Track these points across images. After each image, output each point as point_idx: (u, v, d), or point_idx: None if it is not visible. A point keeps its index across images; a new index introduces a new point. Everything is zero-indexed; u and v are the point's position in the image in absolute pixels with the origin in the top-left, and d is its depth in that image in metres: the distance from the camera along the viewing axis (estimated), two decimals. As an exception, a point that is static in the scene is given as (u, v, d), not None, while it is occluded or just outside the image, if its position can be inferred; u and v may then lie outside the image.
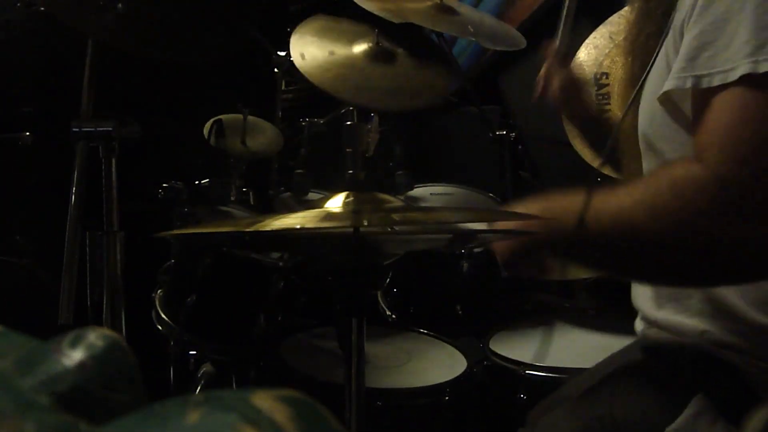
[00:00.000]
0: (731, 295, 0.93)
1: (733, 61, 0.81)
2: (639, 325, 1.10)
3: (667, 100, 0.91)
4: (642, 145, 1.03)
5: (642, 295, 1.08)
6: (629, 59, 1.11)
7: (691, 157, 0.85)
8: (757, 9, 0.82)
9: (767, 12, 0.81)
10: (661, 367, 1.00)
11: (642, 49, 1.05)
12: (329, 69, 1.90)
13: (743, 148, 0.80)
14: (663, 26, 0.96)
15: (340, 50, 1.96)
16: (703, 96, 0.85)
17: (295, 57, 1.90)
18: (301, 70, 1.88)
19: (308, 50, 1.92)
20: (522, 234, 1.00)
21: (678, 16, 0.91)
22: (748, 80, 0.80)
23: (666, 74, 0.92)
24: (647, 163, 1.03)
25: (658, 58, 0.96)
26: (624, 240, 0.87)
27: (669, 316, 1.01)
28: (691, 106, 0.88)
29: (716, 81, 0.83)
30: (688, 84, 0.85)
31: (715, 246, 0.82)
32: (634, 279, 1.05)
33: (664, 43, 0.94)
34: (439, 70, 2.08)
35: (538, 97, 1.48)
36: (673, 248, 0.85)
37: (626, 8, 1.17)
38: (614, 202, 0.88)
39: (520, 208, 1.00)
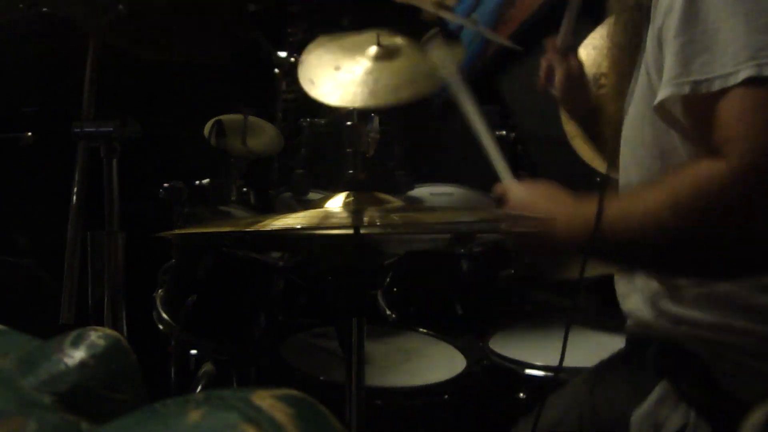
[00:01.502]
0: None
1: (733, 66, 0.83)
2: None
3: (662, 108, 0.93)
4: (623, 150, 1.06)
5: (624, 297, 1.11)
6: (610, 73, 1.14)
7: (709, 156, 0.86)
8: (748, 14, 0.84)
9: (760, 16, 0.83)
10: (634, 357, 1.04)
11: (616, 63, 1.09)
12: (338, 86, 1.91)
13: (765, 137, 0.82)
14: (635, 39, 0.99)
15: (345, 62, 1.97)
16: (705, 101, 0.86)
17: (305, 85, 1.91)
18: (312, 96, 1.89)
19: (315, 73, 1.93)
20: (524, 235, 1.02)
21: (653, 28, 0.94)
22: (752, 82, 0.82)
23: (647, 87, 0.94)
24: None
25: (639, 74, 0.99)
26: (653, 240, 0.89)
27: (639, 308, 1.04)
28: (687, 112, 0.90)
29: (716, 86, 0.84)
30: (686, 90, 0.87)
31: (747, 236, 0.84)
32: (662, 274, 1.05)
33: (643, 58, 0.97)
34: (444, 49, 2.08)
35: (542, 89, 1.48)
36: (702, 245, 0.86)
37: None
38: (640, 205, 0.90)
39: (519, 190, 1.08)
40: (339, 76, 1.92)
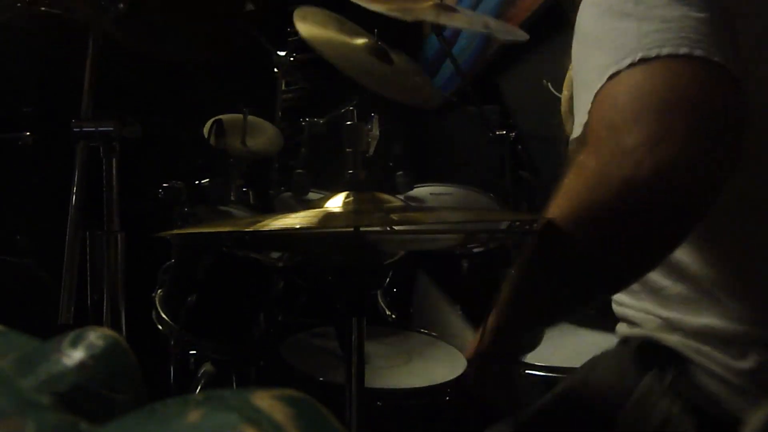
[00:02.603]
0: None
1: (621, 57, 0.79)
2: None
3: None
4: None
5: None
6: None
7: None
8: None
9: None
10: (625, 353, 1.04)
11: None
12: (331, 44, 1.93)
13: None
14: None
15: (342, 38, 1.98)
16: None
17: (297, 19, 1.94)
18: (301, 31, 1.91)
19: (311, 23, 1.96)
20: (519, 234, 1.02)
21: None
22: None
23: None
24: None
25: None
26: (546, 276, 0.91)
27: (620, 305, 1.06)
28: None
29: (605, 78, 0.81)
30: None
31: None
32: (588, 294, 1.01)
33: None
34: (425, 85, 2.13)
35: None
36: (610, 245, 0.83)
37: None
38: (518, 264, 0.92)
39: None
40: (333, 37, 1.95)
